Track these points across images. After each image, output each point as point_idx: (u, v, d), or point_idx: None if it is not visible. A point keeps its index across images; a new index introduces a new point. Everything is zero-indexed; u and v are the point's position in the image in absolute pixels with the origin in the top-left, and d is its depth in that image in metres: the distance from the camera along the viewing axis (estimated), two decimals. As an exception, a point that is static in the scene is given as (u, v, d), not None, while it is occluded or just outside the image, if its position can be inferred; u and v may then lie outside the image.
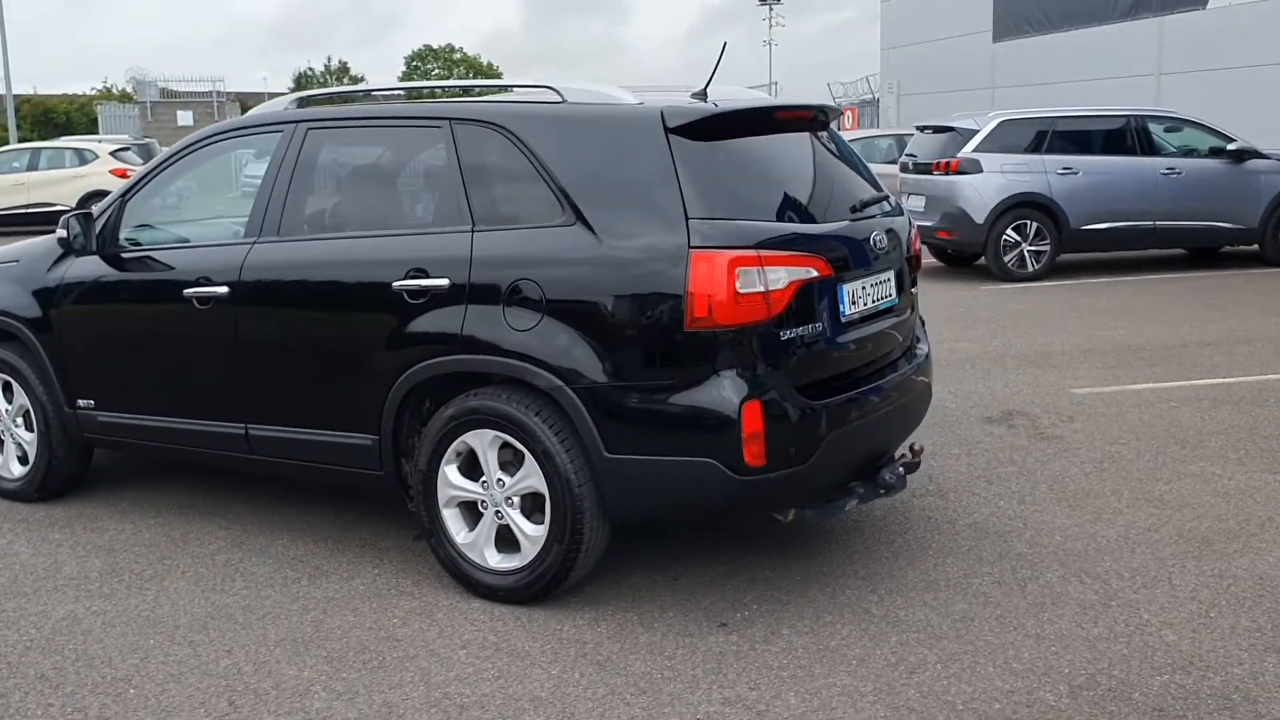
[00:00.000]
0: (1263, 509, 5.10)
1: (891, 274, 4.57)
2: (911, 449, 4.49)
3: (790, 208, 4.19)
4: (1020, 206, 12.45)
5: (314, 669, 3.80)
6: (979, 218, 12.41)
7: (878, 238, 4.36)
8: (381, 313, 4.32)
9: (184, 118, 39.37)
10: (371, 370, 4.37)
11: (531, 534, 4.16)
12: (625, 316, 3.93)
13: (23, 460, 5.63)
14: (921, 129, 14.17)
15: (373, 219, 4.61)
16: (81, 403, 5.30)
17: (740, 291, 3.81)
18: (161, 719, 3.51)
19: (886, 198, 4.75)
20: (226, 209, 5.27)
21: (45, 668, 3.86)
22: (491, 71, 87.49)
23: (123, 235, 5.18)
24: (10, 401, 5.60)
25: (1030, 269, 12.56)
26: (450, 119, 4.39)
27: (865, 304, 4.34)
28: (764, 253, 3.87)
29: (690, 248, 3.82)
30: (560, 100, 4.30)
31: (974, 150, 12.55)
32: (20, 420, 5.58)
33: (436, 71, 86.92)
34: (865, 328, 4.35)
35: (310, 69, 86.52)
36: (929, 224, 12.94)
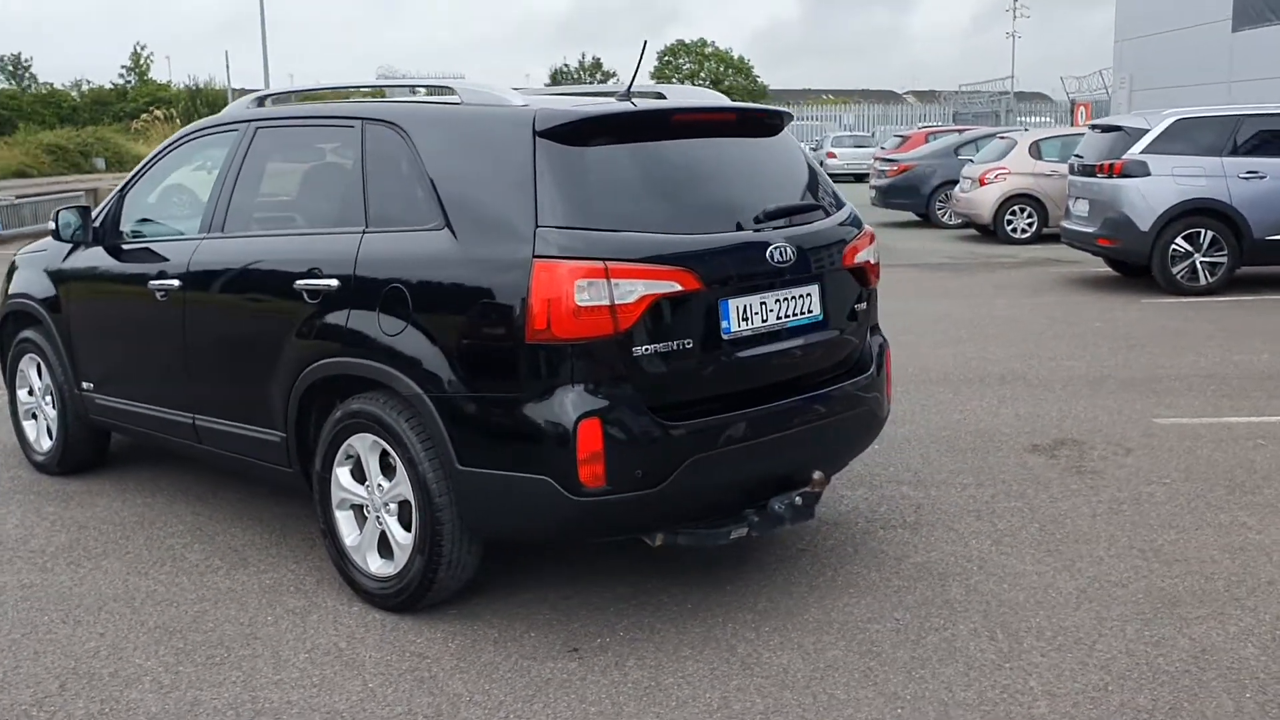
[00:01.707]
0: (1275, 569, 4.45)
1: (815, 289, 4.24)
2: (813, 478, 4.14)
3: (668, 217, 3.93)
4: (1193, 214, 11.36)
5: (159, 659, 3.88)
6: (1144, 225, 11.40)
7: (779, 250, 4.04)
8: (286, 311, 4.36)
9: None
10: (279, 367, 4.42)
11: (403, 542, 4.11)
12: (476, 326, 3.81)
13: (51, 436, 6.02)
14: (1092, 127, 13.17)
15: (294, 217, 4.68)
16: (85, 385, 5.62)
17: (581, 305, 3.62)
18: (-7, 694, 3.67)
19: (820, 208, 4.40)
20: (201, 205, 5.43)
21: (-61, 635, 4.11)
22: (743, 65, 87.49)
23: (124, 228, 5.45)
24: (42, 380, 6.01)
25: (1204, 282, 11.45)
26: (362, 119, 4.38)
27: (762, 321, 4.04)
28: (613, 264, 3.66)
29: (534, 257, 3.66)
30: (456, 101, 4.22)
31: (1142, 151, 11.54)
32: (49, 398, 5.98)
33: (688, 66, 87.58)
34: (763, 346, 4.05)
35: (565, 64, 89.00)
36: (1090, 230, 12.03)
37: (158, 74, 70.76)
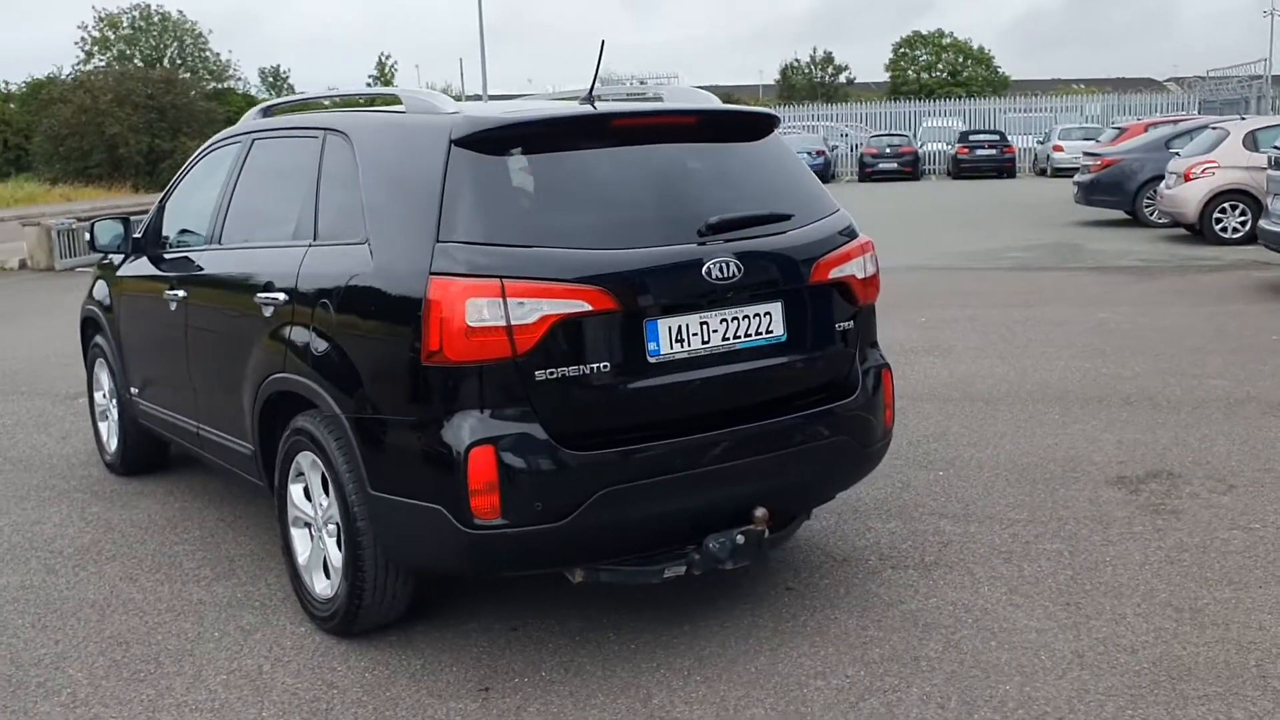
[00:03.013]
0: (1334, 643, 3.77)
1: (776, 306, 3.86)
2: (754, 515, 3.75)
3: (591, 231, 3.64)
4: (1406, 211, 10.02)
5: (90, 671, 3.90)
6: (1346, 225, 10.14)
7: (719, 266, 3.68)
8: (250, 324, 4.34)
9: (640, 112, 41.61)
10: (246, 380, 4.40)
11: (336, 565, 4.00)
12: (382, 347, 3.66)
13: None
14: (1295, 116, 11.80)
15: (266, 229, 4.64)
16: (132, 390, 5.81)
17: (473, 325, 3.39)
18: (-76, 698, 3.77)
19: (787, 217, 3.98)
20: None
21: (-84, 634, 4.27)
22: (983, 56, 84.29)
23: (165, 237, 5.57)
24: (108, 383, 6.25)
25: None
26: (324, 129, 4.30)
27: (702, 342, 3.70)
28: (511, 282, 3.42)
29: (430, 273, 3.46)
30: (401, 110, 4.07)
31: (1347, 142, 10.25)
32: (114, 401, 6.21)
33: (924, 58, 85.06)
34: (705, 369, 3.71)
35: (796, 60, 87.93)
36: (1289, 233, 10.78)
37: (404, 82, 74.34)
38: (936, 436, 6.39)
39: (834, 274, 4.02)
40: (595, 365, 3.53)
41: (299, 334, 4.01)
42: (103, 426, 6.43)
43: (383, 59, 72.24)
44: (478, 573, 4.00)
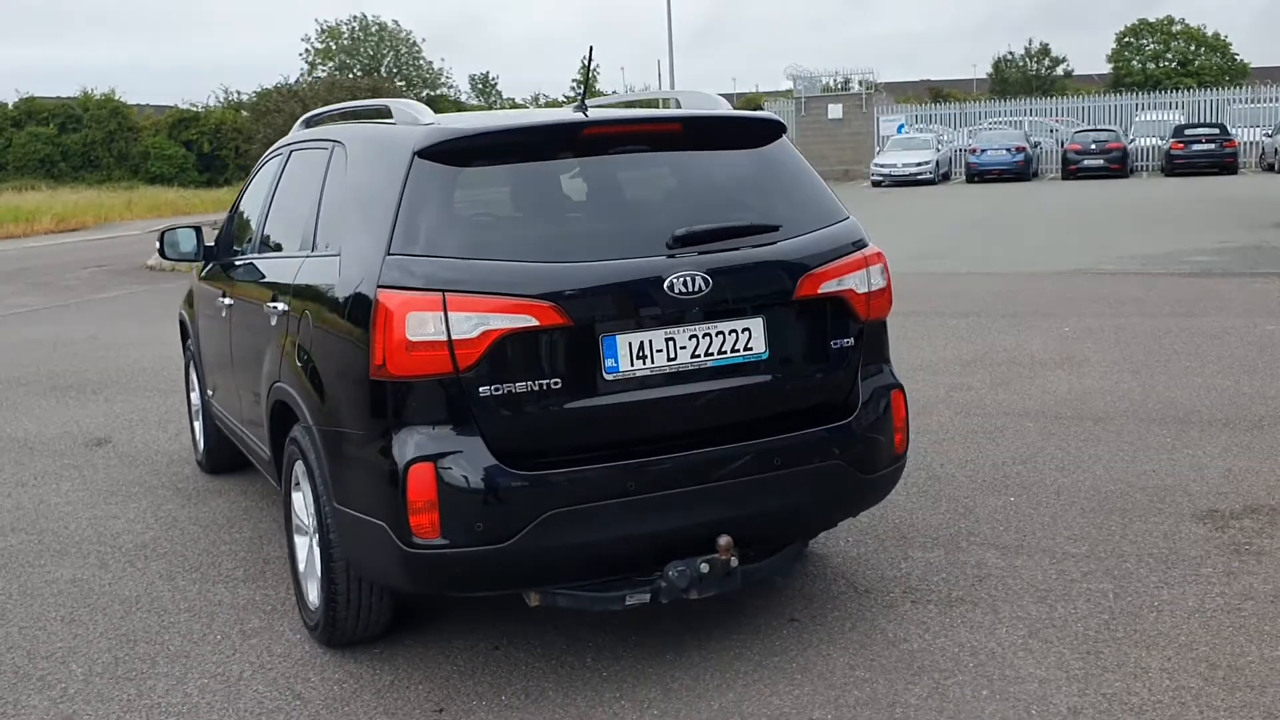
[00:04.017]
0: (1386, 716, 3.28)
1: (757, 322, 3.65)
2: (719, 543, 3.54)
3: (549, 245, 3.52)
4: None
5: (90, 667, 4.04)
6: None
7: (683, 280, 3.50)
8: (263, 332, 4.43)
9: (834, 111, 40.99)
10: (260, 386, 4.49)
11: (320, 576, 4.02)
12: (341, 359, 3.65)
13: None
14: None
15: (284, 240, 4.71)
16: (209, 391, 6.03)
17: (413, 339, 3.33)
18: (-62, 685, 3.99)
19: (772, 229, 3.74)
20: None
21: (-39, 623, 4.54)
22: (1218, 43, 79.14)
23: (233, 244, 5.76)
24: (200, 385, 6.53)
25: None
26: (332, 141, 4.33)
27: (667, 359, 3.52)
28: (453, 296, 3.34)
29: (378, 286, 3.42)
30: (391, 121, 4.05)
31: None
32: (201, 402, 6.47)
33: (1151, 47, 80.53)
34: (669, 387, 3.54)
35: (1010, 52, 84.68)
36: None
37: (608, 84, 75.52)
38: (1025, 459, 5.96)
39: (827, 288, 3.77)
40: (544, 382, 3.41)
41: (290, 344, 4.05)
42: (196, 426, 6.71)
43: (583, 62, 73.52)
44: (422, 592, 3.93)
